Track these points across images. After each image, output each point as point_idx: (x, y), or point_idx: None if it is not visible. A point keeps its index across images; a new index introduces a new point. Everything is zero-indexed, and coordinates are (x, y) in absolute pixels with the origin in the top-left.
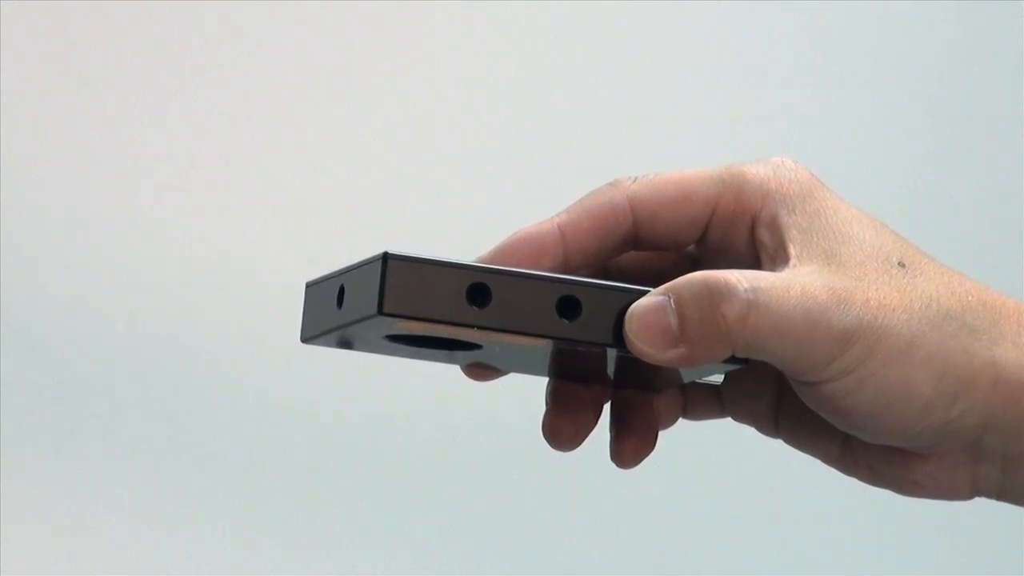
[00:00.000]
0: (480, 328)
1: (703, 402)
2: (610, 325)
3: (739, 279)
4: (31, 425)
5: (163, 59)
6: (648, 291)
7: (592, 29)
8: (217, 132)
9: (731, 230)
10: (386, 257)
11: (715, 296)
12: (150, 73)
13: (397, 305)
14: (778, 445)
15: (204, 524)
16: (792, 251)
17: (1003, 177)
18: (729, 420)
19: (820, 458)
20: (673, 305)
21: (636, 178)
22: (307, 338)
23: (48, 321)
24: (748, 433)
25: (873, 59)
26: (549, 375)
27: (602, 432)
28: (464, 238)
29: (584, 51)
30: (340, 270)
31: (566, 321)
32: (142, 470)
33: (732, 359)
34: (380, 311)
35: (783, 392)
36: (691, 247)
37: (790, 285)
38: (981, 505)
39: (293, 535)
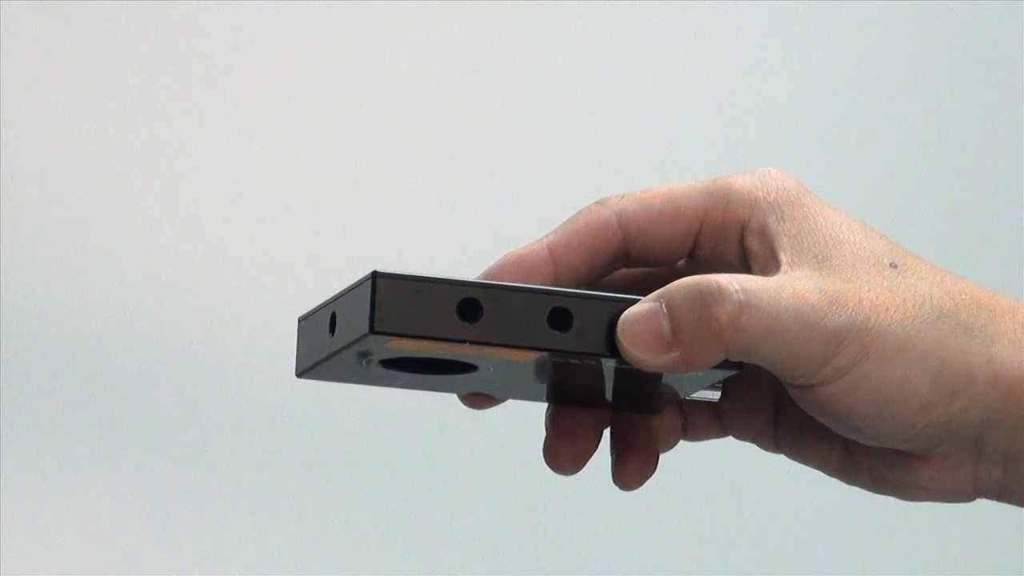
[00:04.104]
0: (473, 343)
1: (702, 422)
2: (603, 334)
3: (730, 281)
4: (31, 425)
5: (162, 64)
6: (639, 299)
7: (580, 46)
8: (221, 136)
9: (720, 241)
10: (375, 276)
11: (707, 298)
12: (151, 77)
13: (389, 323)
14: (779, 456)
15: (204, 525)
16: (783, 258)
17: (1003, 177)
18: (729, 438)
19: (821, 469)
20: (665, 310)
21: (623, 195)
22: (302, 371)
23: (48, 321)
24: (749, 448)
25: (871, 60)
26: (547, 399)
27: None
28: (454, 259)
29: (570, 69)
30: (330, 298)
31: (559, 333)
32: (142, 471)
33: (726, 364)
34: (372, 330)
35: (781, 405)
36: (681, 262)
37: (781, 287)
38: (981, 507)
39: (294, 536)
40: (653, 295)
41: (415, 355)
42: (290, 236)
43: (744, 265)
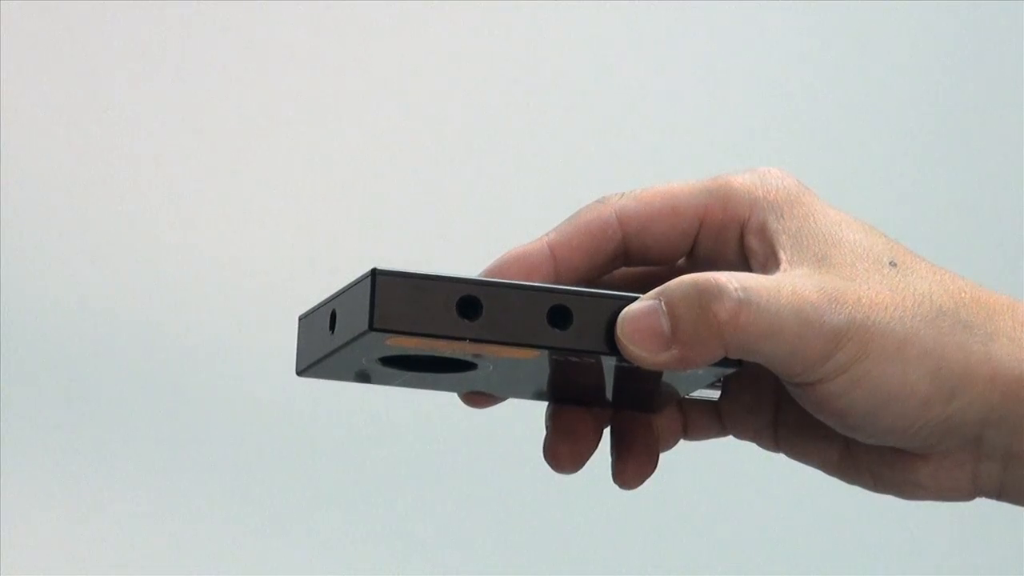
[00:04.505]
0: (472, 340)
1: (703, 421)
2: (602, 332)
3: (729, 279)
4: (31, 425)
5: (163, 64)
6: (638, 297)
7: (580, 45)
8: (220, 134)
9: (720, 240)
10: (375, 273)
11: (705, 296)
12: (151, 77)
13: (388, 320)
14: (779, 456)
15: (204, 524)
16: (783, 256)
17: (1003, 177)
18: (729, 437)
19: (821, 468)
20: (664, 307)
21: (623, 193)
22: (302, 369)
23: (48, 321)
24: (749, 447)
25: (870, 59)
26: (547, 398)
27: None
28: (455, 256)
29: (569, 68)
30: (330, 296)
31: (558, 330)
32: (143, 470)
33: (725, 362)
34: (372, 327)
35: (781, 404)
36: (681, 261)
37: (781, 286)
38: (981, 506)
39: (294, 538)
40: (652, 293)
41: (415, 353)
42: (290, 234)
43: (744, 264)
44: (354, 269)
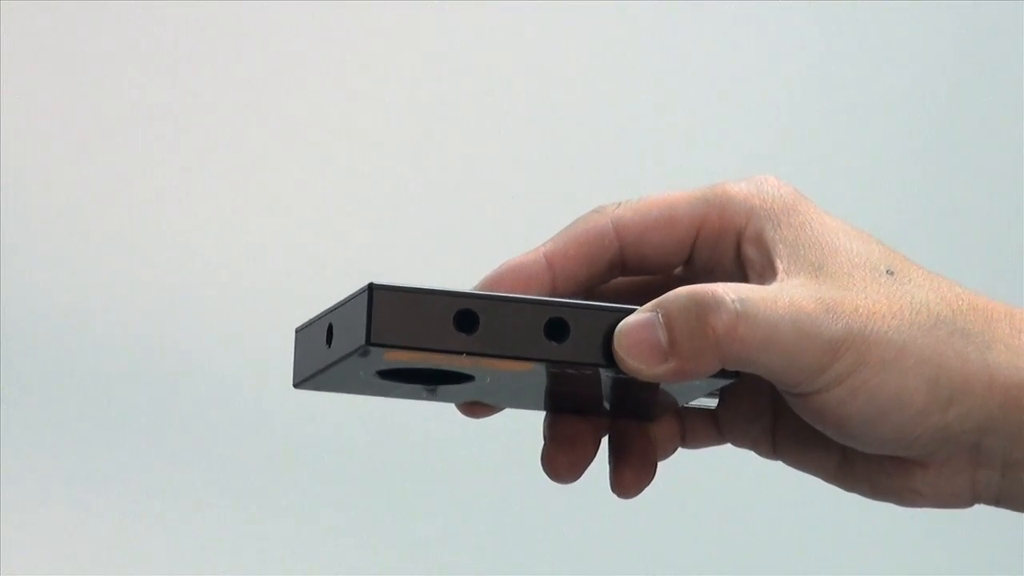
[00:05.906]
0: (469, 354)
1: (701, 429)
2: (599, 345)
3: (726, 291)
4: (31, 428)
5: (163, 72)
6: (636, 309)
7: (577, 53)
8: (220, 144)
9: (717, 249)
10: (371, 288)
11: (703, 308)
12: (151, 85)
13: (385, 335)
14: (777, 463)
15: (204, 531)
16: (779, 265)
17: (1002, 184)
18: (728, 445)
19: (819, 476)
20: (661, 320)
21: (620, 203)
22: (299, 382)
23: (49, 331)
24: (748, 455)
25: (868, 66)
26: (545, 408)
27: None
28: (452, 267)
29: (566, 77)
30: (327, 309)
31: (555, 343)
32: (143, 478)
33: (723, 373)
34: (368, 341)
35: (779, 412)
36: (678, 270)
37: (778, 296)
38: (980, 510)
39: (293, 543)
40: (649, 305)
41: (412, 366)
42: (288, 247)
43: (741, 272)
44: (351, 281)
